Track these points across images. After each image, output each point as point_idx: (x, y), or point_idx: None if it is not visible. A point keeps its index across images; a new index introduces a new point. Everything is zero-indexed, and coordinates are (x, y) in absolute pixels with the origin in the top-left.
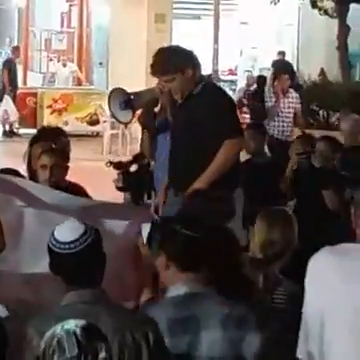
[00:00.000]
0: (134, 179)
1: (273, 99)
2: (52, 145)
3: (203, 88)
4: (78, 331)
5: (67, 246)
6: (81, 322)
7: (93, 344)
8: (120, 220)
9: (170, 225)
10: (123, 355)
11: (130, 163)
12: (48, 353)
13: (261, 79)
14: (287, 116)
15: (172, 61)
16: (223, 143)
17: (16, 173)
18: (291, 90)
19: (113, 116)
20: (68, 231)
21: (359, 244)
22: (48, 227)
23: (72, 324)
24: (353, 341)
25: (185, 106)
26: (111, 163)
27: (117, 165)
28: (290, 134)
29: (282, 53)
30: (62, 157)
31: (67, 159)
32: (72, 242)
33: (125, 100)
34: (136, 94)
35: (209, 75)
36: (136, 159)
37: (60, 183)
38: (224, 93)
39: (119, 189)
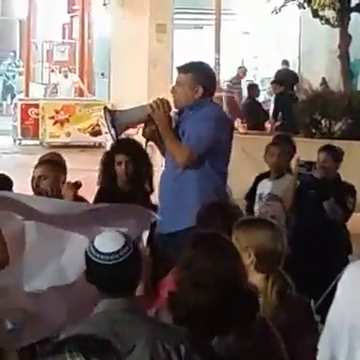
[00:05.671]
0: None
1: None
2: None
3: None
4: None
5: (106, 257)
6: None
7: None
8: (120, 227)
9: None
10: None
11: None
12: None
13: (253, 88)
14: None
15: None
16: None
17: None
18: None
19: (109, 133)
20: (109, 242)
21: None
22: (47, 240)
23: None
24: None
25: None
26: None
27: None
28: None
29: (286, 62)
30: (57, 168)
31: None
32: (111, 254)
33: (111, 119)
34: (120, 113)
35: None
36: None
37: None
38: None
39: None
